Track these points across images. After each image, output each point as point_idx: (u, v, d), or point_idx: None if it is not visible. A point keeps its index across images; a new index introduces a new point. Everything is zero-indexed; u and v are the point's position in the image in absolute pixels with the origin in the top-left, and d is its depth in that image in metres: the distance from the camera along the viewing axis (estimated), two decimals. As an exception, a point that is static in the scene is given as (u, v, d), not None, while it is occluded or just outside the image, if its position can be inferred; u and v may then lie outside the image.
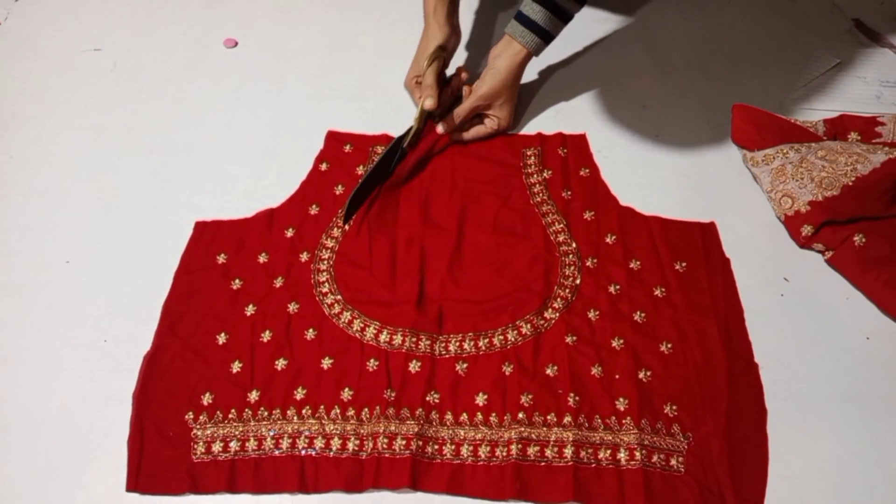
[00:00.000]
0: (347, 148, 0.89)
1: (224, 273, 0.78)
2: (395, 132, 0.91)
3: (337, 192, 0.85)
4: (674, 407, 0.68)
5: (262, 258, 0.79)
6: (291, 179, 0.87)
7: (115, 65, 1.01)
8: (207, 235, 0.81)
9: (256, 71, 0.99)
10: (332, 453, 0.66)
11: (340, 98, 0.96)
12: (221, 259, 0.79)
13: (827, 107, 0.91)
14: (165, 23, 1.06)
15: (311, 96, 0.96)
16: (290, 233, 0.81)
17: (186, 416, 0.68)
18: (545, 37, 0.84)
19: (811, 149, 0.81)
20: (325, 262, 0.78)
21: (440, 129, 0.87)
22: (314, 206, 0.83)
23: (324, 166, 0.87)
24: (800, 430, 0.67)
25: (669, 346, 0.72)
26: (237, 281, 0.77)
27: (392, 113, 0.93)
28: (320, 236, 0.81)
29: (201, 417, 0.68)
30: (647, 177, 0.86)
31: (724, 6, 1.07)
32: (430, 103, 0.83)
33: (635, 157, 0.88)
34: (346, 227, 0.81)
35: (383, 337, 0.72)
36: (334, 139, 0.90)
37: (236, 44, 1.03)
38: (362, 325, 0.73)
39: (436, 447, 0.66)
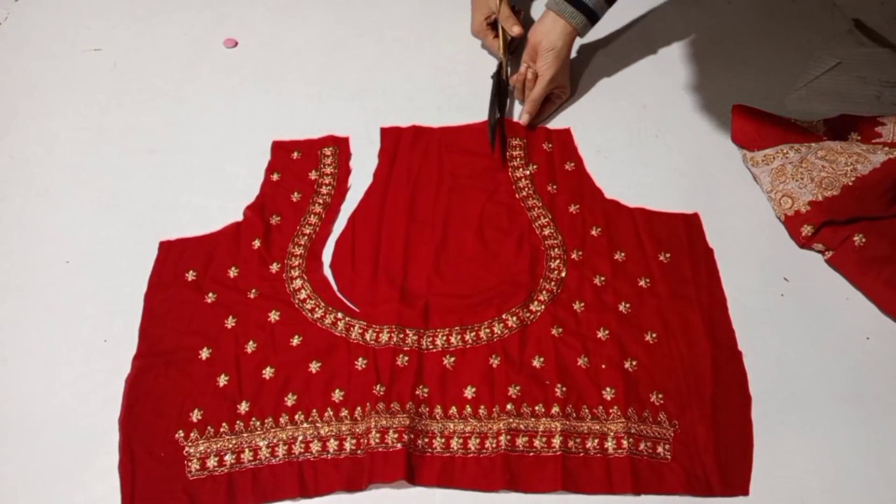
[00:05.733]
0: (296, 155, 0.88)
1: (196, 289, 0.77)
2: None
3: (294, 199, 0.84)
4: (660, 395, 0.69)
5: (233, 272, 0.78)
6: (291, 179, 0.87)
7: (115, 65, 1.01)
8: (174, 254, 0.79)
9: (256, 71, 0.99)
10: (329, 455, 0.66)
11: (340, 98, 0.96)
12: (191, 276, 0.78)
13: (827, 107, 0.91)
14: (165, 23, 1.06)
15: (311, 96, 0.96)
16: (256, 244, 0.80)
17: (177, 435, 0.67)
18: (592, 17, 0.87)
19: (811, 149, 0.81)
20: (297, 269, 0.78)
21: (524, 120, 0.90)
22: (275, 217, 0.83)
23: (275, 176, 0.86)
24: (800, 430, 0.67)
25: (654, 335, 0.72)
26: (211, 295, 0.76)
27: (392, 113, 0.93)
28: (287, 245, 0.80)
29: (192, 434, 0.67)
30: (648, 176, 0.86)
31: (724, 6, 1.07)
32: (517, 29, 0.91)
33: (635, 157, 0.88)
34: (493, 149, 0.86)
35: (369, 335, 0.72)
36: (281, 148, 0.89)
37: (236, 44, 1.03)
38: (347, 325, 0.73)
39: (426, 440, 0.66)
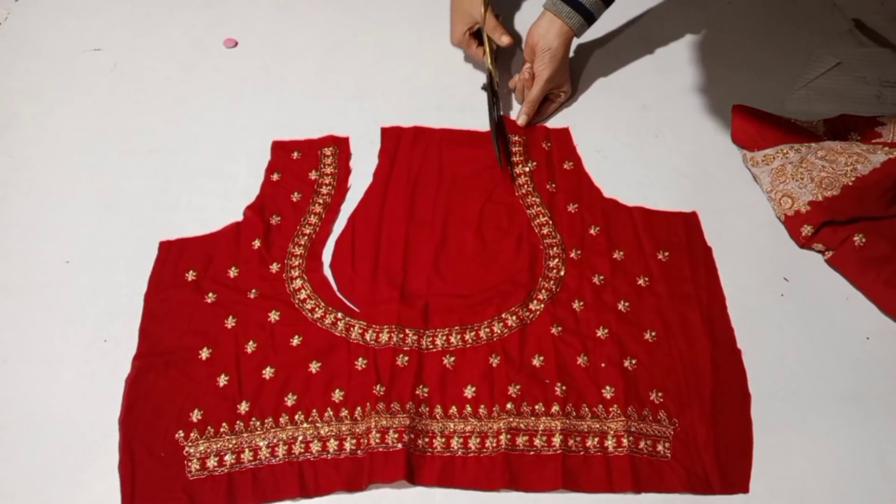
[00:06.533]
0: (295, 155, 0.88)
1: (196, 289, 0.77)
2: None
3: (294, 199, 0.84)
4: (659, 394, 0.69)
5: (233, 272, 0.78)
6: (291, 179, 0.86)
7: (115, 65, 1.01)
8: (174, 254, 0.79)
9: (256, 71, 0.99)
10: (329, 455, 0.66)
11: (340, 98, 0.96)
12: (191, 276, 0.77)
13: (827, 107, 0.91)
14: (165, 23, 1.06)
15: (311, 96, 0.96)
16: (256, 244, 0.80)
17: (177, 435, 0.67)
18: (588, 18, 0.87)
19: (811, 149, 0.81)
20: (297, 269, 0.78)
21: (521, 121, 0.89)
22: (275, 217, 0.82)
23: (275, 176, 0.86)
24: (800, 430, 0.67)
25: (654, 334, 0.73)
26: (211, 294, 0.76)
27: (392, 112, 0.93)
28: (287, 245, 0.80)
29: (192, 434, 0.67)
30: (648, 177, 0.86)
31: (724, 6, 1.07)
32: (507, 39, 0.90)
33: (635, 157, 0.88)
34: (503, 168, 0.85)
35: (369, 335, 0.72)
36: (281, 148, 0.89)
37: (236, 44, 1.03)
38: (347, 326, 0.73)
39: (426, 440, 0.66)
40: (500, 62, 0.96)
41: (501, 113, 0.91)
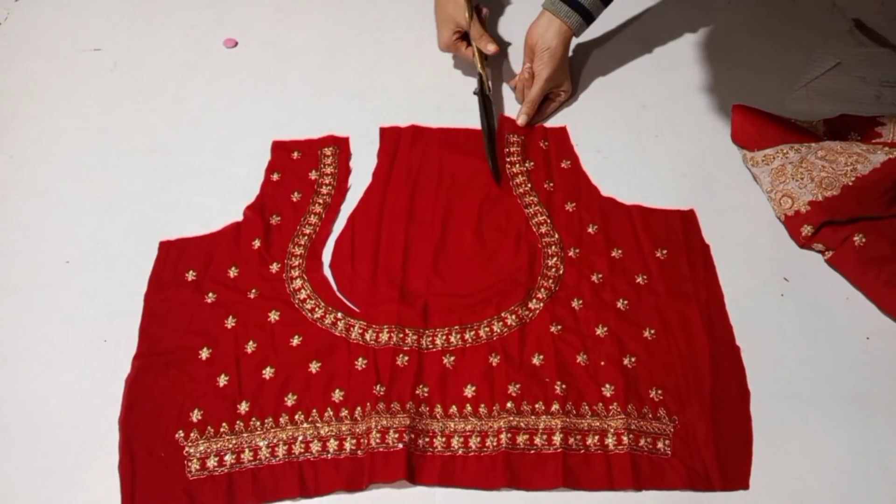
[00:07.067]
0: (296, 155, 0.89)
1: (196, 289, 0.77)
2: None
3: (294, 199, 0.84)
4: (659, 391, 0.69)
5: (233, 272, 0.78)
6: (291, 179, 0.86)
7: (115, 65, 1.01)
8: (174, 254, 0.79)
9: (256, 71, 0.99)
10: (329, 455, 0.66)
11: (340, 98, 0.96)
12: (191, 276, 0.77)
13: (827, 107, 0.91)
14: (165, 23, 1.06)
15: (311, 96, 0.96)
16: (256, 244, 0.80)
17: (177, 435, 0.67)
18: (587, 17, 0.87)
19: (811, 149, 0.81)
20: (297, 269, 0.78)
21: (521, 121, 0.90)
22: (275, 217, 0.82)
23: (275, 176, 0.86)
24: (800, 430, 0.67)
25: (653, 332, 0.73)
26: (211, 294, 0.76)
27: (392, 112, 0.93)
28: (287, 245, 0.80)
29: (192, 434, 0.67)
30: (648, 177, 0.86)
31: (724, 6, 1.07)
32: (493, 48, 0.90)
33: (635, 157, 0.88)
34: (499, 182, 0.85)
35: (369, 335, 0.72)
36: (281, 148, 0.89)
37: (236, 44, 1.03)
38: (347, 325, 0.73)
39: (426, 440, 0.66)
40: (494, 64, 0.97)
41: (495, 118, 0.90)
